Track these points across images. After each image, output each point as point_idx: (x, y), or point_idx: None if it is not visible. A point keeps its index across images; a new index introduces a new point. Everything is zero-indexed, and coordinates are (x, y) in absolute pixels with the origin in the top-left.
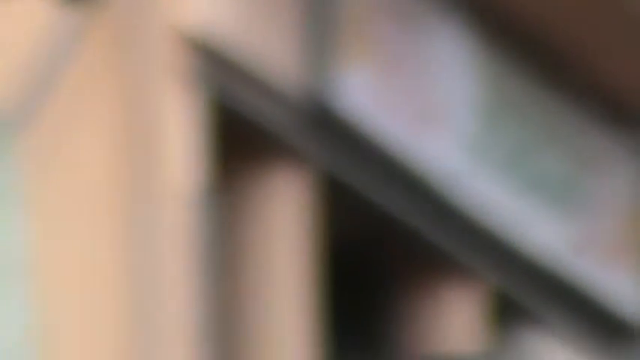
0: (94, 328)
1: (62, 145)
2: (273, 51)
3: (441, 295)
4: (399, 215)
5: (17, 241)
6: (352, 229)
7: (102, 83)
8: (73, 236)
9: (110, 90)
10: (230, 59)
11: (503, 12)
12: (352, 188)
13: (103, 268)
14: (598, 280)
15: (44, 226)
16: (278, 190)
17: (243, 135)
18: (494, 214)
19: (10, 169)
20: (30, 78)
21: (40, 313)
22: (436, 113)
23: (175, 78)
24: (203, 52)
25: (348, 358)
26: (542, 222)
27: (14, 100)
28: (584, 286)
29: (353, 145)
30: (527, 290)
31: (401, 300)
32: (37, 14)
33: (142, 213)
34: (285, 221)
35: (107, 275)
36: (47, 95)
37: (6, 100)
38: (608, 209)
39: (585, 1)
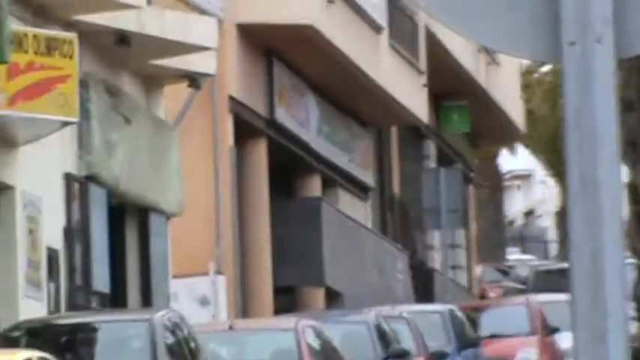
0: None
1: (187, 137)
2: (256, 98)
3: (309, 179)
4: (296, 155)
5: (178, 168)
6: (281, 162)
7: (200, 114)
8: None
9: (202, 117)
10: (242, 102)
11: (326, 89)
12: (283, 147)
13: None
14: (358, 174)
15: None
16: (257, 149)
17: (246, 129)
18: (327, 151)
19: (176, 144)
20: (178, 113)
21: None
22: (307, 121)
23: (225, 110)
24: (233, 100)
25: (281, 202)
26: (341, 155)
27: (175, 121)
28: (354, 175)
29: (283, 132)
30: (337, 177)
31: (296, 183)
32: (182, 89)
33: (215, 157)
34: (259, 161)
35: None
36: (182, 119)
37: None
38: (360, 152)
39: (350, 82)
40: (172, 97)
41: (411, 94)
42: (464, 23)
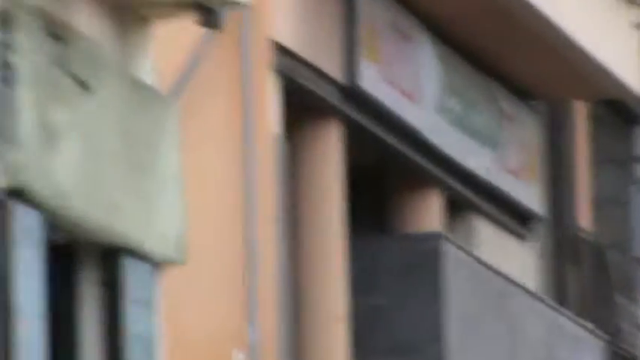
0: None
1: (196, 112)
2: (324, 50)
3: (419, 199)
4: (397, 151)
5: (176, 169)
6: (368, 162)
7: (221, 75)
8: (203, 168)
9: (226, 79)
10: (297, 55)
11: (454, 33)
12: (369, 136)
13: (222, 191)
14: (513, 188)
15: (188, 162)
16: (323, 140)
17: (303, 103)
18: (451, 148)
19: (174, 126)
20: (179, 73)
21: (185, 224)
22: (416, 91)
23: (265, 69)
24: (281, 52)
25: (366, 238)
26: (479, 153)
27: (174, 87)
28: (504, 192)
29: (369, 108)
30: (471, 194)
31: (396, 204)
32: (186, 31)
33: (246, 153)
34: (328, 159)
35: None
36: (188, 83)
37: (169, 88)
38: (516, 146)
39: (507, 26)
40: (169, 45)
41: (613, 42)
42: None
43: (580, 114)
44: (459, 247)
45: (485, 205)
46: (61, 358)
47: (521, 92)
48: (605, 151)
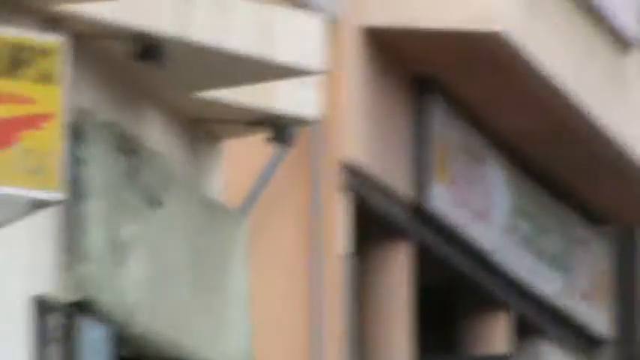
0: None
1: (265, 230)
2: (394, 170)
3: (487, 321)
4: (465, 272)
5: (244, 286)
6: (436, 283)
7: (291, 193)
8: (271, 286)
9: (295, 197)
10: (367, 175)
11: (525, 155)
12: (438, 257)
13: (289, 310)
14: (583, 311)
15: (255, 280)
16: (392, 260)
17: (373, 223)
18: (520, 270)
19: (243, 243)
20: (249, 191)
21: (252, 336)
22: (486, 212)
23: (334, 188)
24: (351, 172)
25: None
26: (549, 276)
27: (243, 205)
28: (573, 315)
29: (439, 229)
30: (539, 317)
31: (465, 326)
32: (257, 148)
33: (314, 272)
34: (397, 280)
35: (291, 316)
36: (257, 201)
37: (238, 204)
38: (586, 270)
39: (579, 152)
40: (239, 162)
41: None
42: None
43: None
44: None
45: (554, 329)
46: None
47: (593, 217)
48: None
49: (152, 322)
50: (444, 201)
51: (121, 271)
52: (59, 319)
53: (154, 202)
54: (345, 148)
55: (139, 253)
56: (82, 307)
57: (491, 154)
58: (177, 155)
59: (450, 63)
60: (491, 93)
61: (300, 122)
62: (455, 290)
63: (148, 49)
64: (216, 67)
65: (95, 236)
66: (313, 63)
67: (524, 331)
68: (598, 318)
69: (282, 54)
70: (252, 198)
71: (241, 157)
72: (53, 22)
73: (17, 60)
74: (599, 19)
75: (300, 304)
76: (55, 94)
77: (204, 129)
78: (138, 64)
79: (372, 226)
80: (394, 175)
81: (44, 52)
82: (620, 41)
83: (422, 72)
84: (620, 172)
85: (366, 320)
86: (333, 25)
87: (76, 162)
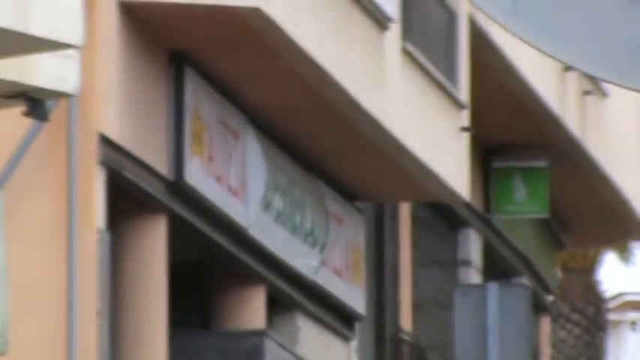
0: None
1: (21, 205)
2: (151, 144)
3: (243, 296)
4: (221, 247)
5: (1, 261)
6: (192, 259)
7: (47, 168)
8: (27, 261)
9: (52, 172)
10: (123, 150)
11: (282, 131)
12: (194, 232)
13: (46, 285)
14: (337, 288)
15: (12, 255)
16: (147, 235)
17: (128, 197)
18: (276, 246)
19: None
20: (6, 163)
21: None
22: (242, 187)
23: (90, 162)
24: (107, 146)
25: (184, 332)
26: (305, 252)
27: None
28: (326, 290)
29: (195, 204)
30: (295, 293)
31: (220, 301)
32: (12, 123)
33: (70, 248)
34: (152, 255)
35: (44, 287)
36: (13, 175)
37: None
38: (341, 246)
39: (336, 128)
40: None
41: (441, 146)
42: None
43: (405, 217)
44: (282, 346)
45: (309, 305)
46: None
47: (348, 193)
48: (431, 253)
49: None
50: (199, 176)
51: None
52: None
53: None
54: (102, 122)
55: None
56: None
57: (247, 129)
58: None
59: (208, 38)
60: (249, 68)
61: (56, 96)
62: (210, 266)
63: None
64: None
65: None
66: (70, 37)
67: (280, 306)
68: (352, 296)
69: (38, 27)
70: (7, 172)
71: None
72: None
73: None
74: None
75: (56, 278)
76: None
77: None
78: None
79: (128, 201)
80: (151, 149)
81: None
82: (378, 18)
83: (179, 47)
84: (375, 149)
85: (121, 297)
86: None
87: None
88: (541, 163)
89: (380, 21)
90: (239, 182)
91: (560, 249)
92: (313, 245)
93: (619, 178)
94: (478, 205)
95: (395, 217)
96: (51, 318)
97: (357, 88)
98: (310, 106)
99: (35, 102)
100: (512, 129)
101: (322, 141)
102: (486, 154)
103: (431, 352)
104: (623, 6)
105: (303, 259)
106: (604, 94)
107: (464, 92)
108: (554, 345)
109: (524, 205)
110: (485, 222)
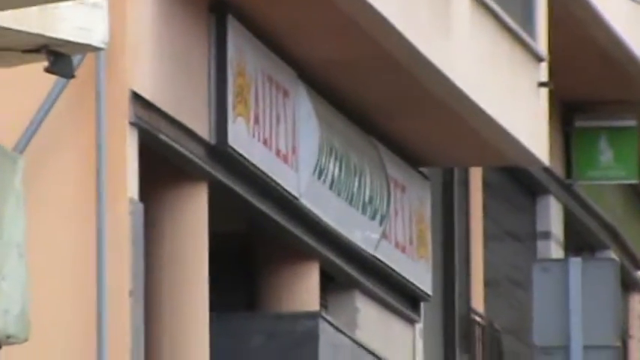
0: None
1: (43, 172)
2: (190, 104)
3: (294, 273)
4: (269, 219)
5: (20, 234)
6: (237, 231)
7: (72, 124)
8: (51, 234)
9: (77, 129)
10: (159, 109)
11: (336, 88)
12: (239, 202)
13: (72, 261)
14: (401, 264)
15: (34, 228)
16: (186, 206)
17: (165, 163)
18: (331, 218)
19: (18, 186)
20: (27, 125)
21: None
22: (292, 151)
23: (122, 124)
24: (141, 105)
25: (229, 315)
26: (363, 224)
27: (20, 142)
28: (387, 266)
29: (239, 170)
30: (353, 270)
31: (269, 278)
32: (33, 80)
33: (99, 219)
34: (192, 227)
35: (69, 265)
36: (34, 139)
37: (12, 143)
38: (405, 218)
39: (396, 85)
40: (14, 94)
41: (516, 103)
42: None
43: (476, 183)
44: (338, 329)
45: (369, 283)
46: None
47: (411, 157)
48: (505, 223)
49: None
50: (244, 139)
51: None
52: None
53: None
54: (134, 79)
55: None
56: None
57: (298, 86)
58: None
59: None
60: (301, 18)
61: (82, 50)
62: (257, 239)
63: None
64: None
65: None
66: None
67: (336, 285)
68: (418, 273)
69: None
70: (29, 135)
71: (16, 89)
72: None
73: None
74: None
75: (83, 255)
76: None
77: None
78: None
79: (164, 167)
80: (189, 109)
81: None
82: None
83: None
84: (441, 107)
85: (157, 275)
86: None
87: None
88: (630, 122)
89: None
90: (289, 146)
91: None
92: (373, 216)
93: None
94: (558, 170)
95: (465, 184)
96: (78, 300)
97: (422, 38)
98: (368, 60)
99: (59, 56)
100: (596, 84)
101: (382, 99)
102: (568, 112)
103: (506, 335)
104: None
105: (361, 232)
106: None
107: (542, 43)
108: None
109: (610, 169)
110: (566, 189)
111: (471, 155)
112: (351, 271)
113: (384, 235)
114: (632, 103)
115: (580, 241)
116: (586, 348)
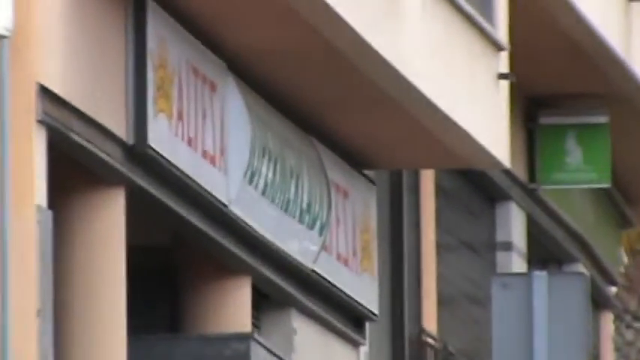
0: None
1: None
2: (101, 100)
3: (222, 290)
4: (194, 228)
5: None
6: (157, 241)
7: None
8: None
9: None
10: (69, 105)
11: (270, 82)
12: (160, 209)
13: None
14: (343, 278)
15: None
16: (100, 213)
17: (76, 165)
18: (264, 227)
19: None
20: None
21: None
22: (220, 152)
23: (27, 122)
24: (49, 101)
25: (149, 337)
26: (301, 234)
27: None
28: (328, 282)
29: (160, 174)
30: (289, 286)
31: (194, 295)
32: None
33: (1, 229)
34: (106, 237)
35: None
36: None
37: None
38: (347, 227)
39: (338, 78)
40: None
41: (473, 97)
42: None
43: (428, 188)
44: (272, 353)
45: (308, 301)
46: None
47: (355, 158)
48: (458, 236)
49: None
50: (166, 138)
51: None
52: None
53: None
54: (41, 71)
55: None
56: None
57: (227, 79)
58: None
59: None
60: (227, 3)
61: None
62: (181, 252)
63: None
64: None
65: None
66: None
67: (270, 303)
68: (361, 289)
69: None
70: None
71: None
72: None
73: None
74: None
75: None
76: None
77: None
78: None
79: (76, 171)
80: (104, 104)
81: None
82: None
83: None
84: (389, 102)
85: (68, 292)
86: None
87: None
88: (600, 119)
89: None
90: (217, 146)
91: (626, 227)
92: (311, 225)
93: None
94: (521, 173)
95: (415, 189)
96: None
97: (367, 25)
98: (307, 50)
99: None
100: (563, 76)
101: (322, 93)
102: (531, 107)
103: (461, 358)
104: None
105: (298, 243)
106: None
107: (502, 30)
108: (619, 348)
109: (579, 171)
110: (530, 194)
111: (422, 156)
112: (287, 288)
113: (324, 247)
114: (603, 97)
115: (545, 252)
116: None
